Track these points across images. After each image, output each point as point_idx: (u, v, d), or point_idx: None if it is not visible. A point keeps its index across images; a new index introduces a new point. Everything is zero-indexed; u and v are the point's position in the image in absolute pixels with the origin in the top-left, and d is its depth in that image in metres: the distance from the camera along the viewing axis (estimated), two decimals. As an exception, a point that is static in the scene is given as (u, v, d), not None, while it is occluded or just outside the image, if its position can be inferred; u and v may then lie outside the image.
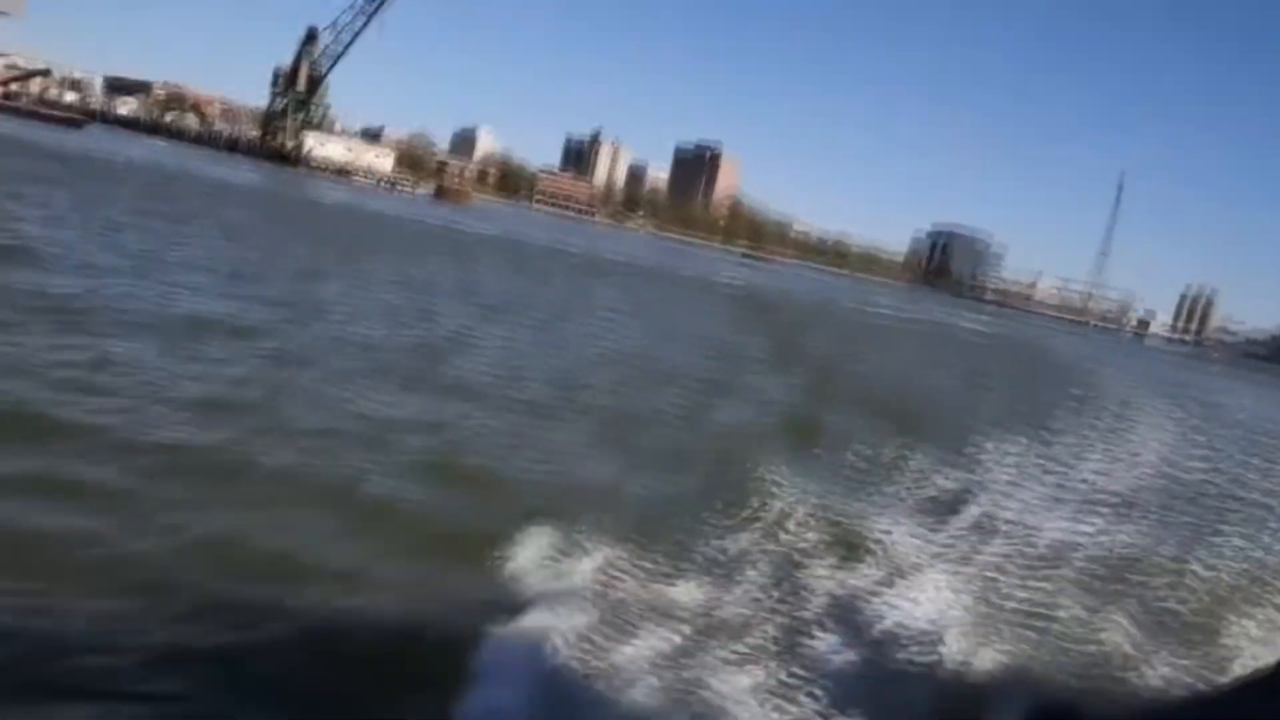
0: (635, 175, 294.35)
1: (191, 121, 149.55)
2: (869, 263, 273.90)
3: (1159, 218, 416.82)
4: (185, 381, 12.84)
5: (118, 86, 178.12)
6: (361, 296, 24.42)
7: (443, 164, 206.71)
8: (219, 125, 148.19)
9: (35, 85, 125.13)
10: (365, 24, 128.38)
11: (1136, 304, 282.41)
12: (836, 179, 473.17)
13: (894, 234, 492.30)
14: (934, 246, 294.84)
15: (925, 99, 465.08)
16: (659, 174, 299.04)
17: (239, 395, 12.77)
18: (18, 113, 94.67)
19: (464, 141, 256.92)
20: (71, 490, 8.81)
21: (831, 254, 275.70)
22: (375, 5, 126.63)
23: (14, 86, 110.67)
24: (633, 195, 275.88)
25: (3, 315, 14.25)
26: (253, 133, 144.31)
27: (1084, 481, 14.66)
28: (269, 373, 14.34)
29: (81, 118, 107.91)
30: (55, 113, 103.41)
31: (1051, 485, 14.02)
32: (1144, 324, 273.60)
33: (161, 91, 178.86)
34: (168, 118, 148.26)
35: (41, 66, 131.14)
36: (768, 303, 55.31)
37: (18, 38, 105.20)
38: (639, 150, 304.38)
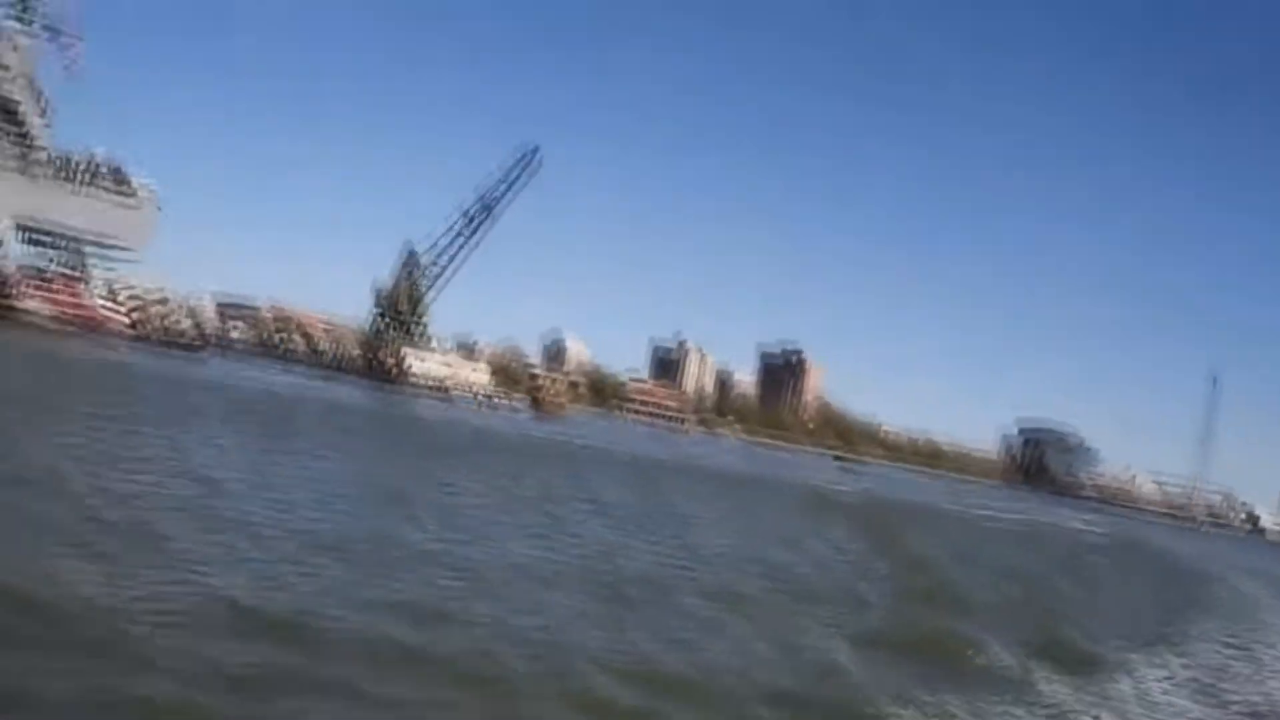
0: (723, 381, 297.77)
1: (299, 342, 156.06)
2: (962, 462, 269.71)
3: (1255, 410, 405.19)
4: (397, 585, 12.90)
5: (228, 309, 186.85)
6: (515, 518, 24.66)
7: (534, 376, 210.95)
8: (323, 345, 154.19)
9: (154, 311, 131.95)
10: (462, 248, 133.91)
11: (1237, 498, 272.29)
12: (916, 376, 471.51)
13: (976, 430, 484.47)
14: (1026, 443, 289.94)
15: (1003, 296, 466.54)
16: (745, 378, 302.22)
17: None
18: (147, 340, 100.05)
19: (554, 349, 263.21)
20: None
21: (924, 454, 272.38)
22: (473, 230, 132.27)
23: (137, 315, 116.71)
24: (721, 401, 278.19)
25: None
26: (354, 351, 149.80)
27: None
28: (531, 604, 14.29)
29: (200, 343, 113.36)
30: (179, 340, 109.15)
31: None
32: (1253, 518, 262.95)
33: (269, 314, 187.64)
34: (277, 338, 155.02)
35: (159, 294, 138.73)
36: (888, 514, 54.54)
37: (132, 266, 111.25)
38: (720, 351, 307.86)
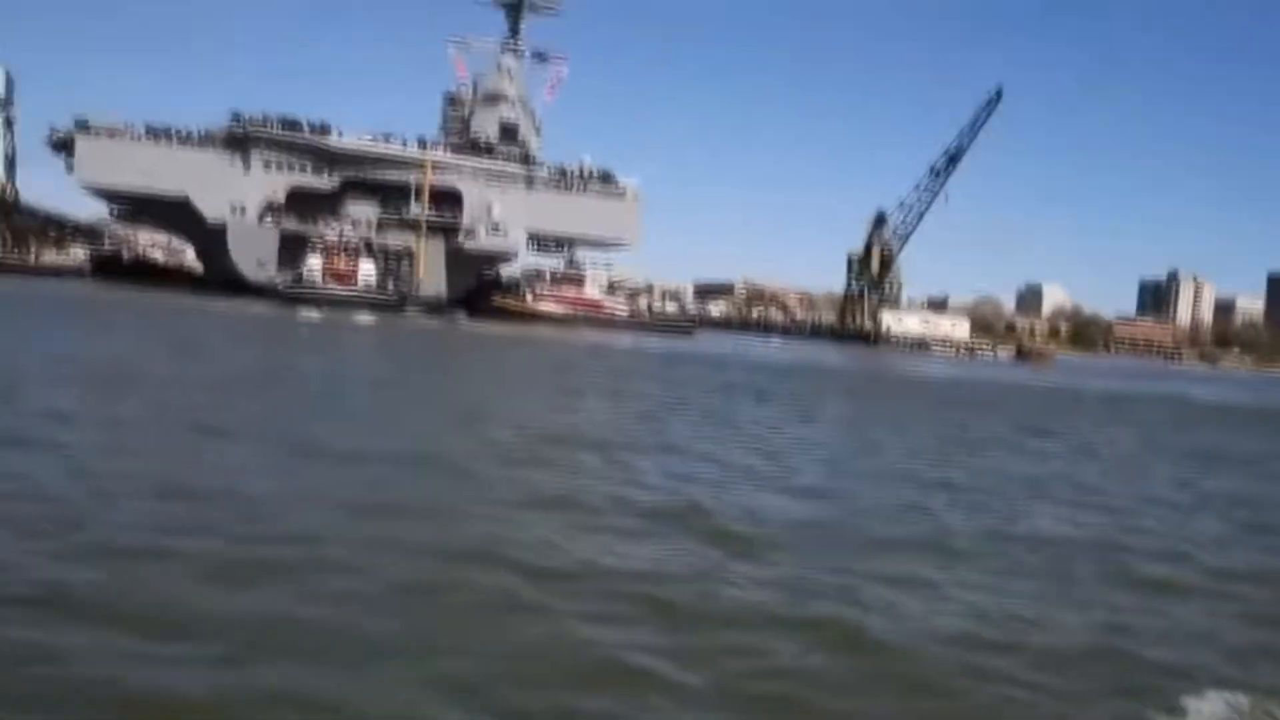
0: (1224, 311, 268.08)
1: (775, 315, 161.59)
2: None
3: None
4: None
5: (705, 291, 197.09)
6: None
7: (1011, 325, 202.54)
8: (800, 315, 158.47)
9: (643, 300, 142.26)
10: (931, 200, 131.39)
11: None
12: None
13: None
14: None
15: None
16: (1251, 305, 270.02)
17: None
18: (643, 326, 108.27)
19: (1030, 297, 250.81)
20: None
21: None
22: (940, 181, 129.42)
23: (632, 304, 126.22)
24: (1223, 331, 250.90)
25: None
26: (829, 317, 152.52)
27: None
28: None
29: (690, 324, 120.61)
30: (672, 323, 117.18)
31: None
32: None
33: (743, 290, 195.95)
34: (754, 313, 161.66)
35: (644, 283, 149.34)
36: None
37: (622, 260, 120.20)
38: (1221, 280, 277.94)
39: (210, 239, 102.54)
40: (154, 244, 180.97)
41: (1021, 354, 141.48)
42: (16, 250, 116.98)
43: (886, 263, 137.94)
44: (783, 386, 45.17)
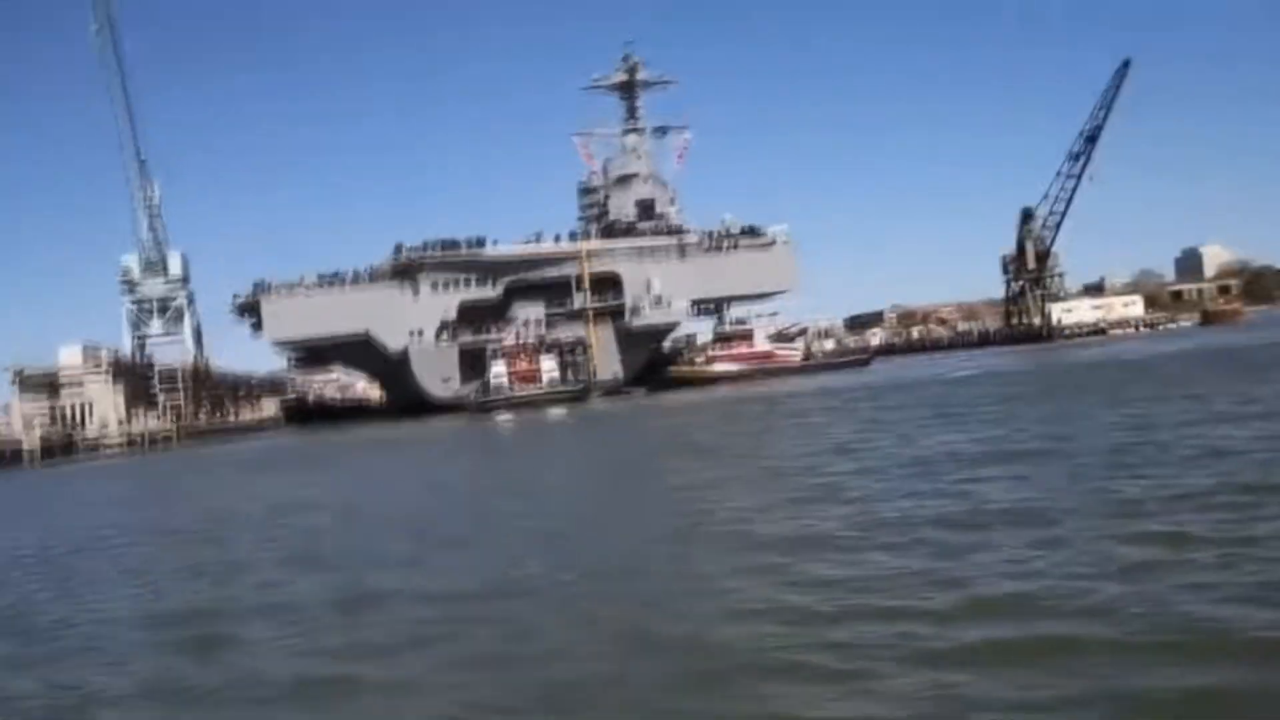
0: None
1: (938, 330, 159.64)
2: None
3: None
4: None
5: (856, 323, 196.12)
6: None
7: (1177, 293, 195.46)
8: (962, 326, 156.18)
9: (804, 339, 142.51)
10: (1076, 185, 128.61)
11: None
12: None
13: None
14: None
15: None
16: None
17: None
18: (819, 367, 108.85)
19: (1189, 263, 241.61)
20: None
21: None
22: (1081, 165, 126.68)
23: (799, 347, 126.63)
24: None
25: None
26: (991, 323, 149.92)
27: None
28: None
29: (866, 357, 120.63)
30: (847, 358, 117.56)
31: None
32: None
33: (893, 315, 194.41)
34: (914, 334, 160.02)
35: (798, 324, 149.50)
36: None
37: (793, 305, 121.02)
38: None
39: (390, 366, 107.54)
40: (325, 382, 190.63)
41: (1207, 318, 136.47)
42: (218, 414, 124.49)
43: (1042, 257, 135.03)
44: (1023, 389, 44.96)
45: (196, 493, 41.48)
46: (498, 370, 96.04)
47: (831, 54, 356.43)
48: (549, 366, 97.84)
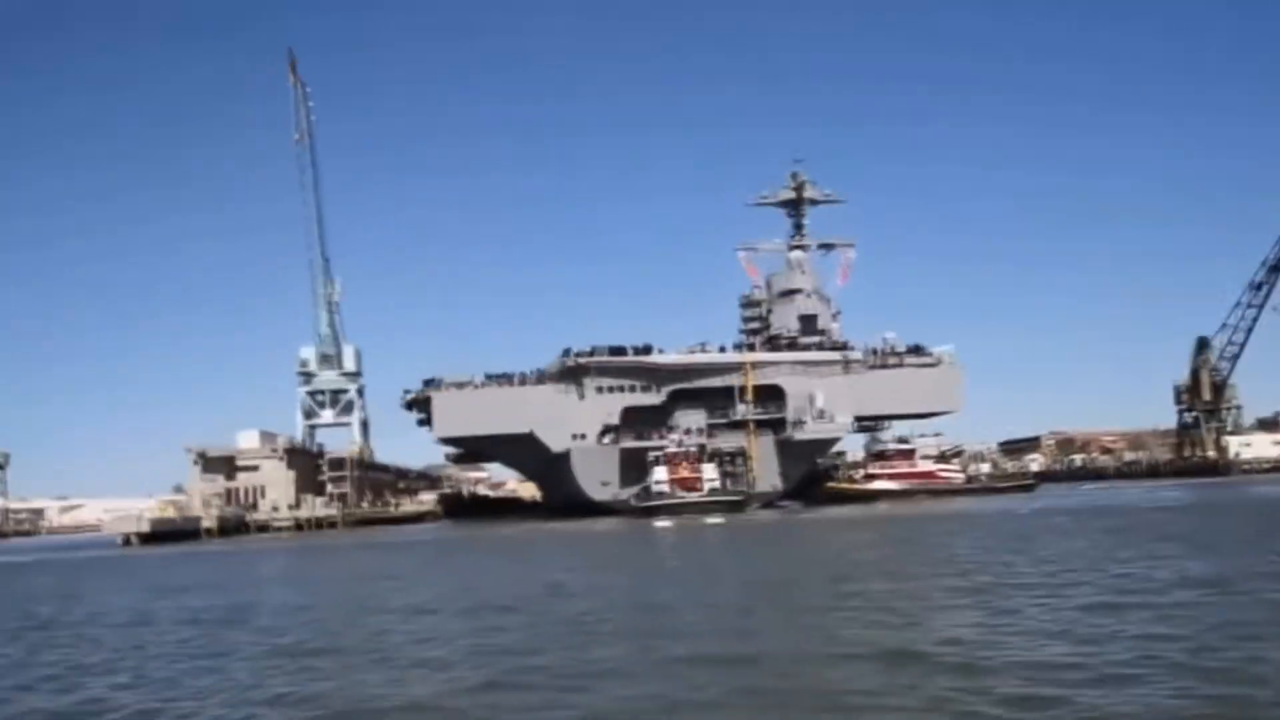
0: None
1: (1103, 460, 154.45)
2: None
3: None
4: None
5: (1011, 447, 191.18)
6: None
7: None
8: (1129, 455, 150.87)
9: (958, 460, 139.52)
10: (1257, 315, 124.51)
11: None
12: None
13: None
14: None
15: None
16: None
17: None
18: (983, 489, 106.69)
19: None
20: None
21: None
22: (1264, 295, 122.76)
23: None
24: None
25: None
26: (1161, 454, 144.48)
27: None
28: None
29: (1033, 482, 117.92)
30: (1012, 482, 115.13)
31: None
32: None
33: (1051, 440, 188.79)
34: (1075, 460, 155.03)
35: (956, 446, 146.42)
36: None
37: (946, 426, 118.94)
38: None
39: (550, 466, 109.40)
40: (477, 480, 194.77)
41: None
42: (378, 502, 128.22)
43: (1218, 388, 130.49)
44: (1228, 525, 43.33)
45: (460, 570, 43.10)
46: (660, 475, 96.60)
47: (1002, 181, 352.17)
48: (710, 474, 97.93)
